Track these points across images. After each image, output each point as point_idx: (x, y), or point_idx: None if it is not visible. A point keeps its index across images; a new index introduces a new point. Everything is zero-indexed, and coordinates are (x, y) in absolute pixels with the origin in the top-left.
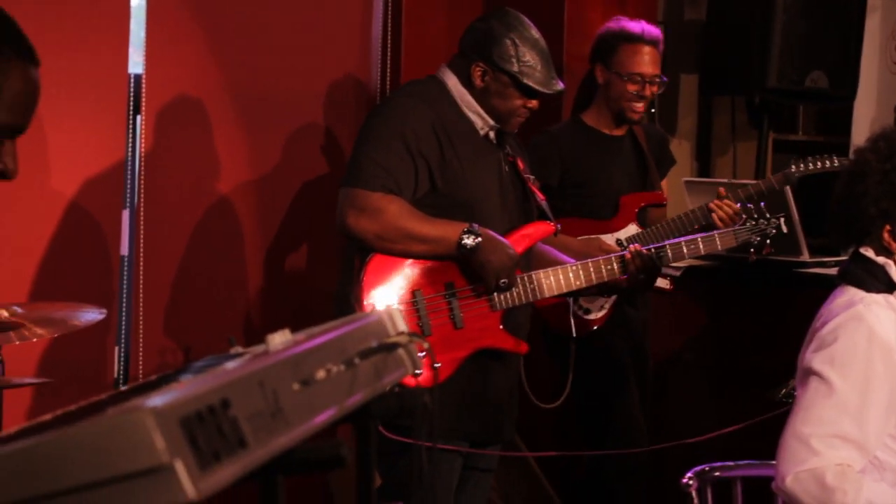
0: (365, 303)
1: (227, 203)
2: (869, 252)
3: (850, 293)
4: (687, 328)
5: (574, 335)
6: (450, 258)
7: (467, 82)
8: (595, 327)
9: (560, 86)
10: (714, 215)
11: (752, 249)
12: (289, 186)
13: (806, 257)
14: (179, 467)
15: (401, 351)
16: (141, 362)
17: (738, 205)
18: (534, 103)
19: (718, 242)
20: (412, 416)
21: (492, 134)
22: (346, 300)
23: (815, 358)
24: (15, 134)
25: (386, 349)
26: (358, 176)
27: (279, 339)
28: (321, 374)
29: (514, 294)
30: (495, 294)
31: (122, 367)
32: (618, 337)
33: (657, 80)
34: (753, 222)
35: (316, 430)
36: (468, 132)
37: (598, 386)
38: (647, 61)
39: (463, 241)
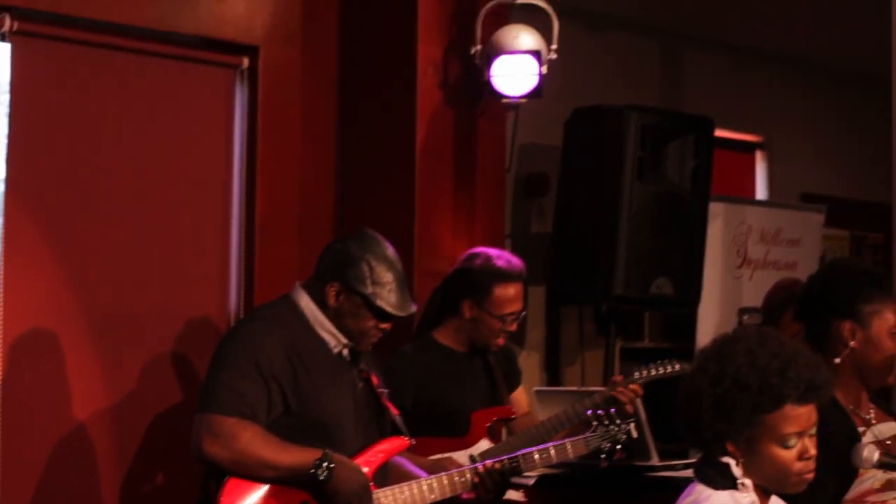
0: None
1: (84, 430)
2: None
3: (697, 491)
4: None
5: None
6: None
7: (321, 302)
8: None
9: (413, 308)
10: (625, 407)
11: (602, 456)
12: (144, 410)
13: (655, 461)
14: None
15: None
16: None
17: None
18: (386, 325)
19: (570, 450)
20: None
21: (345, 351)
22: None
23: None
24: None
25: None
26: (212, 401)
27: None
28: None
29: None
30: None
31: None
32: None
33: (522, 312)
34: (604, 429)
35: None
36: (321, 351)
37: None
38: (517, 299)
39: (315, 473)
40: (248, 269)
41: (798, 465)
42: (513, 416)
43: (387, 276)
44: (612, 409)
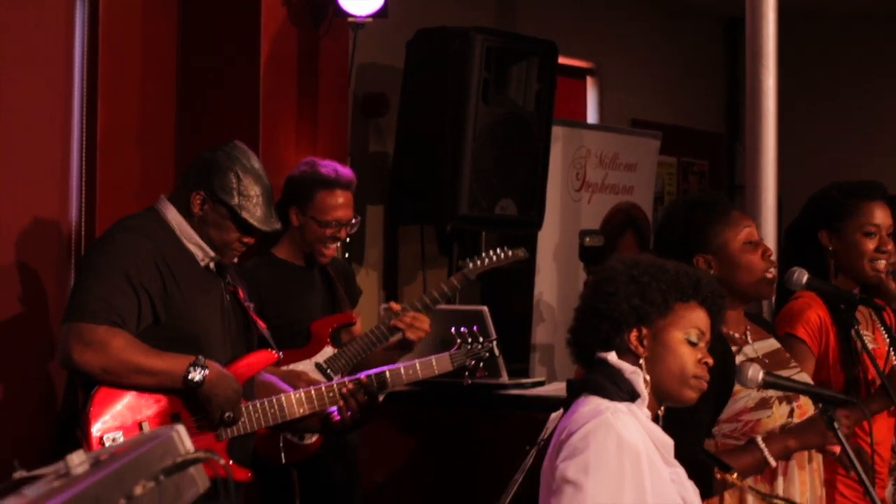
0: (92, 436)
1: None
2: (611, 357)
3: (594, 402)
4: (395, 451)
5: (283, 462)
6: (176, 391)
7: (186, 211)
8: (313, 451)
9: (278, 225)
10: (407, 334)
11: (466, 373)
12: None
13: (505, 379)
14: None
15: (192, 468)
16: None
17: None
18: (250, 239)
19: (436, 366)
20: None
21: (212, 264)
22: (70, 434)
23: (568, 466)
24: None
25: (187, 465)
26: (81, 310)
27: (76, 458)
28: (139, 489)
29: (240, 424)
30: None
31: None
32: (335, 460)
33: (352, 222)
34: (468, 347)
35: None
36: (189, 264)
37: None
38: (342, 206)
39: (189, 377)
40: (89, 180)
41: (697, 368)
42: (353, 322)
43: (254, 189)
44: (475, 327)
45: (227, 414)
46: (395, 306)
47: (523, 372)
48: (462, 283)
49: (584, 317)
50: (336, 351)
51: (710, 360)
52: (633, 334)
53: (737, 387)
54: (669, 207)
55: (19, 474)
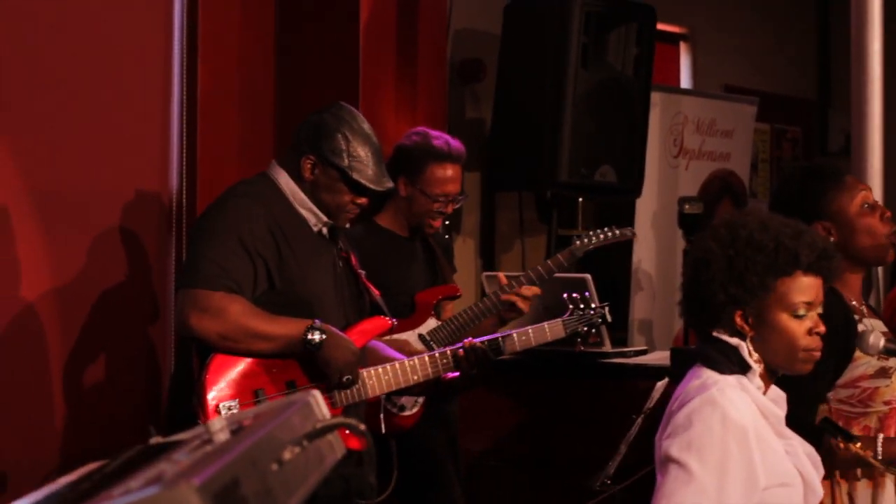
0: (208, 404)
1: (29, 309)
2: (723, 335)
3: (705, 375)
4: (496, 422)
5: (384, 432)
6: (292, 356)
7: (297, 176)
8: (413, 422)
9: (390, 184)
10: (519, 304)
11: (578, 339)
12: (89, 290)
13: (608, 348)
14: None
15: (330, 435)
16: None
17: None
18: (362, 200)
19: (549, 333)
20: (360, 498)
21: (325, 230)
22: (185, 401)
23: (672, 445)
24: None
25: (329, 430)
26: (197, 276)
27: (217, 424)
28: (287, 454)
29: (355, 391)
30: (336, 391)
31: None
32: (435, 431)
33: (460, 197)
34: (580, 312)
35: None
36: (302, 229)
37: (421, 482)
38: (452, 180)
39: (308, 338)
40: (189, 147)
41: (807, 340)
42: (458, 295)
43: (363, 150)
44: (587, 293)
45: (345, 377)
46: (503, 279)
47: (621, 341)
48: (569, 261)
49: (687, 297)
50: (439, 323)
51: (822, 329)
52: (738, 315)
53: (857, 353)
54: (783, 176)
55: (156, 440)
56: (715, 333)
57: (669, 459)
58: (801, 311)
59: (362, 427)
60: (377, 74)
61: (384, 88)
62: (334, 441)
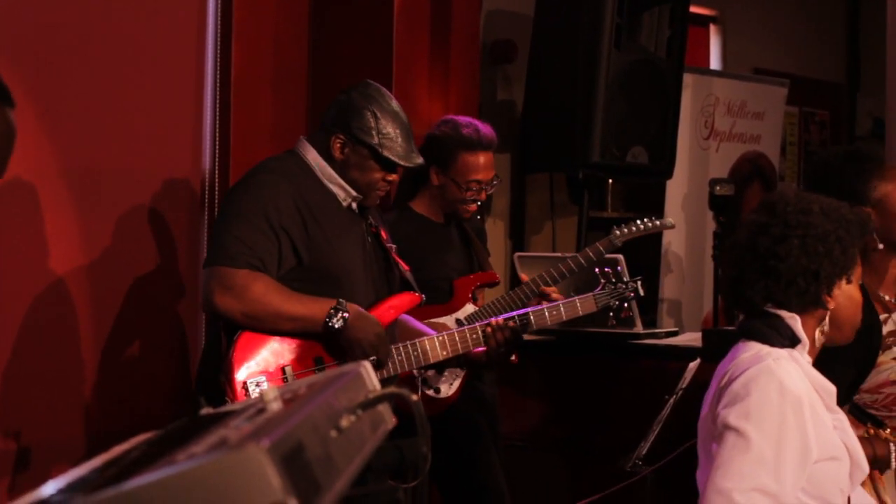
0: (236, 381)
1: (61, 286)
2: (776, 309)
3: (755, 348)
4: (531, 403)
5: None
6: (318, 335)
7: (327, 155)
8: (450, 404)
9: (420, 159)
10: (553, 297)
11: (611, 314)
12: (121, 268)
13: (639, 329)
14: None
15: (380, 405)
16: None
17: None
18: (393, 176)
19: (580, 307)
20: (414, 467)
21: (354, 205)
22: (213, 378)
23: (730, 413)
24: None
25: (383, 399)
26: (222, 254)
27: (271, 394)
28: (345, 422)
29: (389, 365)
30: None
31: None
32: (475, 411)
33: (493, 182)
34: (612, 286)
35: (352, 478)
36: (330, 204)
37: (463, 462)
38: (484, 167)
39: (329, 322)
40: (223, 126)
41: (857, 313)
42: (496, 281)
43: (392, 126)
44: (618, 268)
45: (371, 358)
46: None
47: (651, 323)
48: (608, 249)
49: (750, 275)
50: (477, 309)
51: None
52: (823, 290)
53: (881, 357)
54: (819, 160)
55: (206, 411)
56: (769, 308)
57: (727, 427)
58: (853, 279)
59: (415, 397)
60: (410, 55)
61: (417, 69)
62: (385, 412)
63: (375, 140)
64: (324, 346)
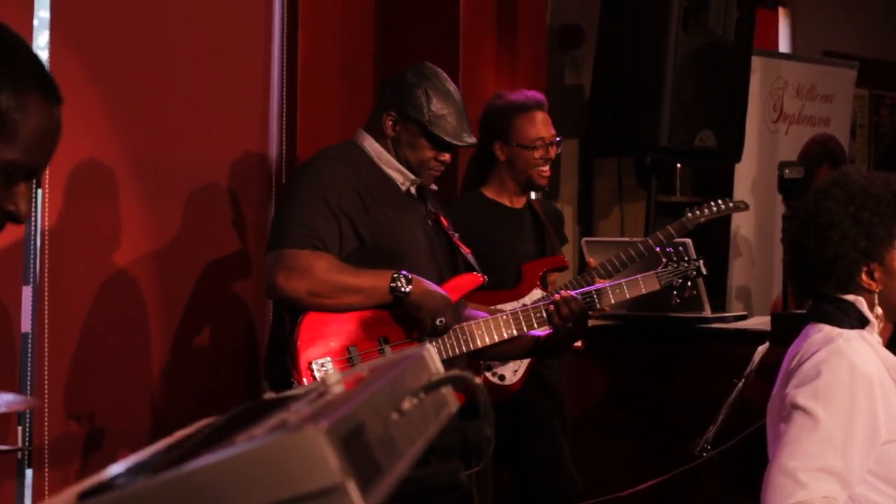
0: (301, 363)
1: (130, 274)
2: (840, 293)
3: (826, 330)
4: (598, 388)
5: None
6: (383, 309)
7: (380, 134)
8: (514, 391)
9: (472, 139)
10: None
11: (674, 292)
12: (190, 256)
13: (707, 313)
14: (351, 488)
15: (443, 389)
16: (46, 438)
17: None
18: (446, 156)
19: (643, 285)
20: (477, 450)
21: (413, 189)
22: (279, 361)
23: (798, 393)
24: (31, 175)
25: (446, 382)
26: (283, 237)
27: (333, 378)
28: (407, 405)
29: (448, 345)
30: (431, 341)
31: (26, 442)
32: (541, 398)
33: (556, 140)
34: (675, 265)
35: (415, 460)
36: (389, 188)
37: (530, 448)
38: (543, 124)
39: (395, 286)
40: (290, 114)
41: None
42: (565, 266)
43: (444, 105)
44: (680, 248)
45: (438, 319)
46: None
47: (720, 307)
48: (679, 232)
49: (808, 263)
50: (545, 294)
51: None
52: (864, 273)
53: None
54: (891, 140)
55: (269, 395)
56: (828, 292)
57: (795, 407)
58: None
59: (478, 380)
60: (477, 40)
61: (484, 55)
62: (448, 395)
63: (426, 117)
64: (389, 325)
